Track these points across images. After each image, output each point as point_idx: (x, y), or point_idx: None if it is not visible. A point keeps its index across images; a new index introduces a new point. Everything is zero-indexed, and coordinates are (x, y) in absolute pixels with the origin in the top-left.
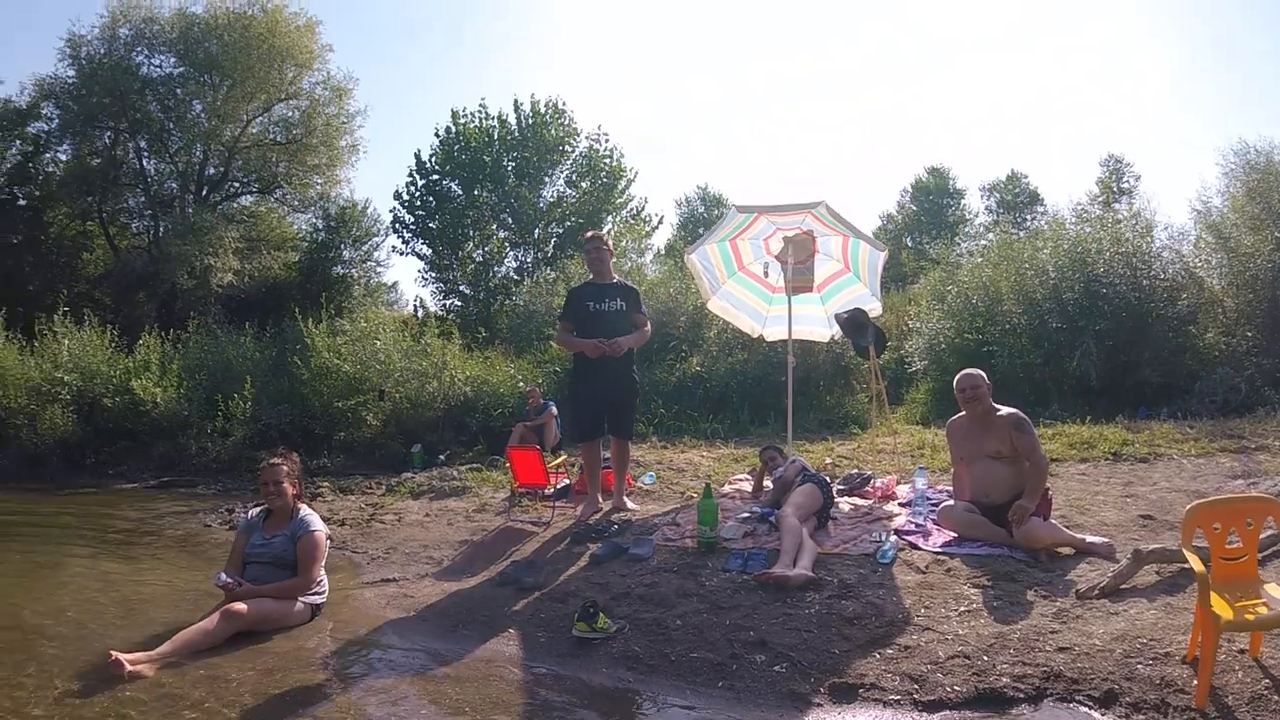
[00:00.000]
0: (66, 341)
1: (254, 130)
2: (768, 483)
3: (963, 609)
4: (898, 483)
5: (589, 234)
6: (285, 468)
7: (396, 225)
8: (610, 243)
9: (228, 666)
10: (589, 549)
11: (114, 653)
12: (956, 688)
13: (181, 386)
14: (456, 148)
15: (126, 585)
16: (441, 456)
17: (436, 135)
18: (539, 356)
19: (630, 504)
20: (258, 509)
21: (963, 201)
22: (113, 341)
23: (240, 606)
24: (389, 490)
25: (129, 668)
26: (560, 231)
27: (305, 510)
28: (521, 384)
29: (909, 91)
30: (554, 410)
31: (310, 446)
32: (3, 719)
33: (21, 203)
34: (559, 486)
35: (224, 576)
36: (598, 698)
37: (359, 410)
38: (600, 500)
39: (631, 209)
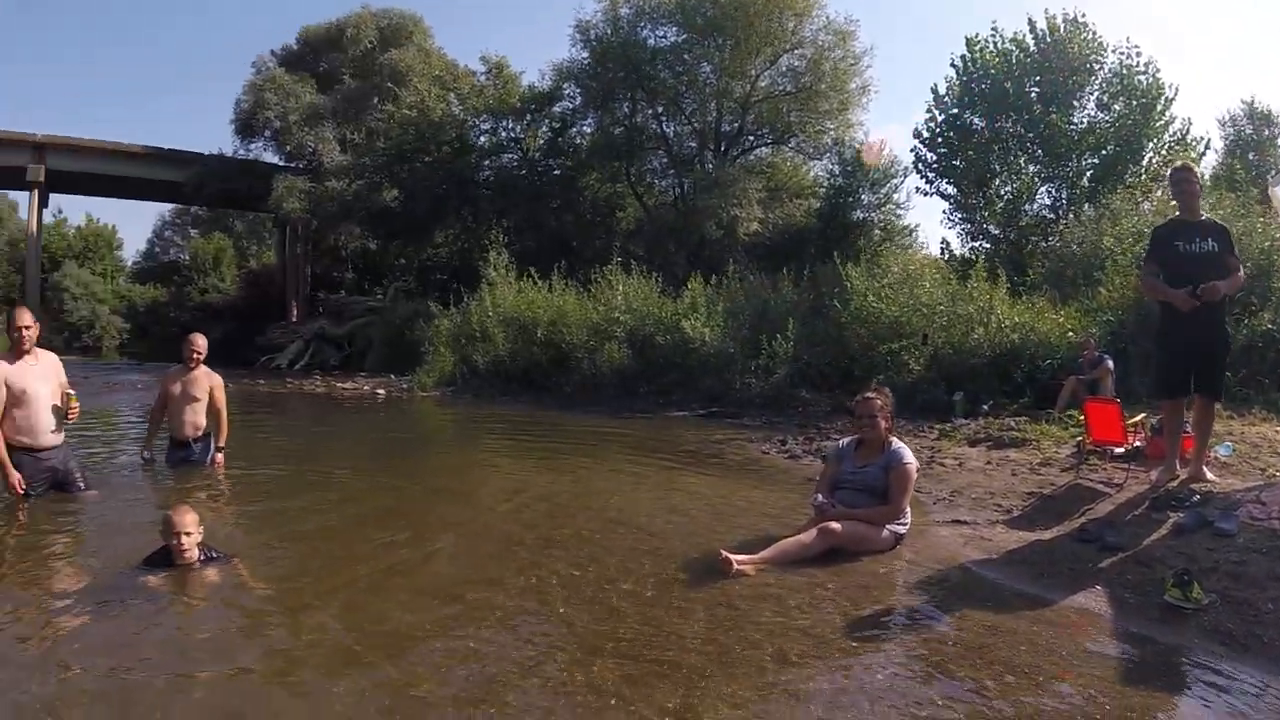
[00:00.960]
0: (620, 287)
1: (763, 84)
2: None
3: None
4: None
5: (1177, 165)
6: (879, 401)
7: (918, 165)
8: (1199, 174)
9: (823, 577)
10: (1170, 516)
11: (724, 551)
12: None
13: (726, 326)
14: (975, 77)
15: (712, 497)
16: (985, 405)
17: (953, 66)
18: (1085, 304)
19: (1209, 474)
20: (848, 439)
21: None
22: (655, 287)
23: (835, 525)
24: (943, 435)
25: (736, 566)
26: (1095, 162)
27: (897, 443)
28: (1071, 334)
29: None
30: (1110, 364)
31: (849, 388)
32: (622, 601)
33: (556, 172)
34: (1132, 447)
35: (820, 498)
36: (1193, 668)
37: (899, 354)
38: (1177, 466)
39: (1174, 133)
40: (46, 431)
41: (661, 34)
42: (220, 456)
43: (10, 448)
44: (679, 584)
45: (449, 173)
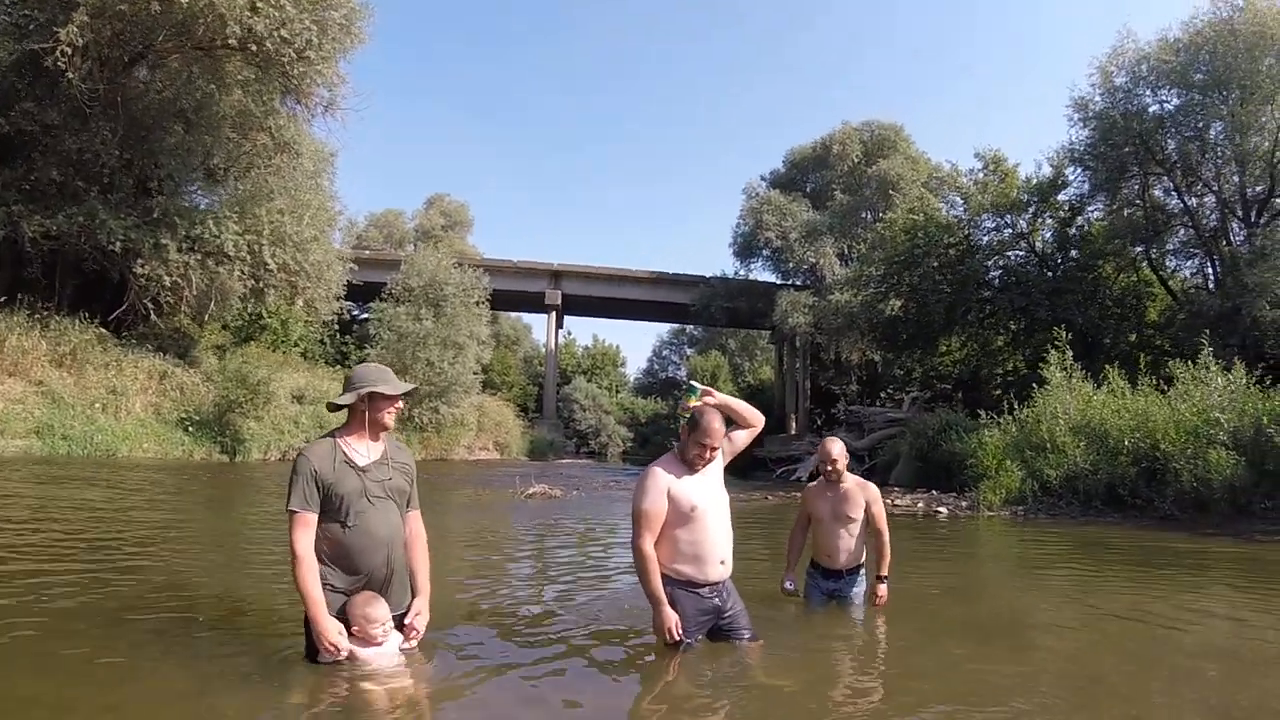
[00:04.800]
0: (1216, 381)
1: None
2: None
3: None
4: None
5: None
6: None
7: None
8: None
9: None
10: None
11: None
12: None
13: None
14: None
15: None
16: None
17: None
18: None
19: None
20: None
21: None
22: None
23: None
24: None
25: None
26: None
27: None
28: None
29: None
30: None
31: None
32: None
33: (1072, 263)
34: None
35: None
36: None
37: None
38: None
39: None
40: (715, 562)
41: (1163, 98)
42: (884, 589)
43: (666, 579)
44: None
45: (955, 275)
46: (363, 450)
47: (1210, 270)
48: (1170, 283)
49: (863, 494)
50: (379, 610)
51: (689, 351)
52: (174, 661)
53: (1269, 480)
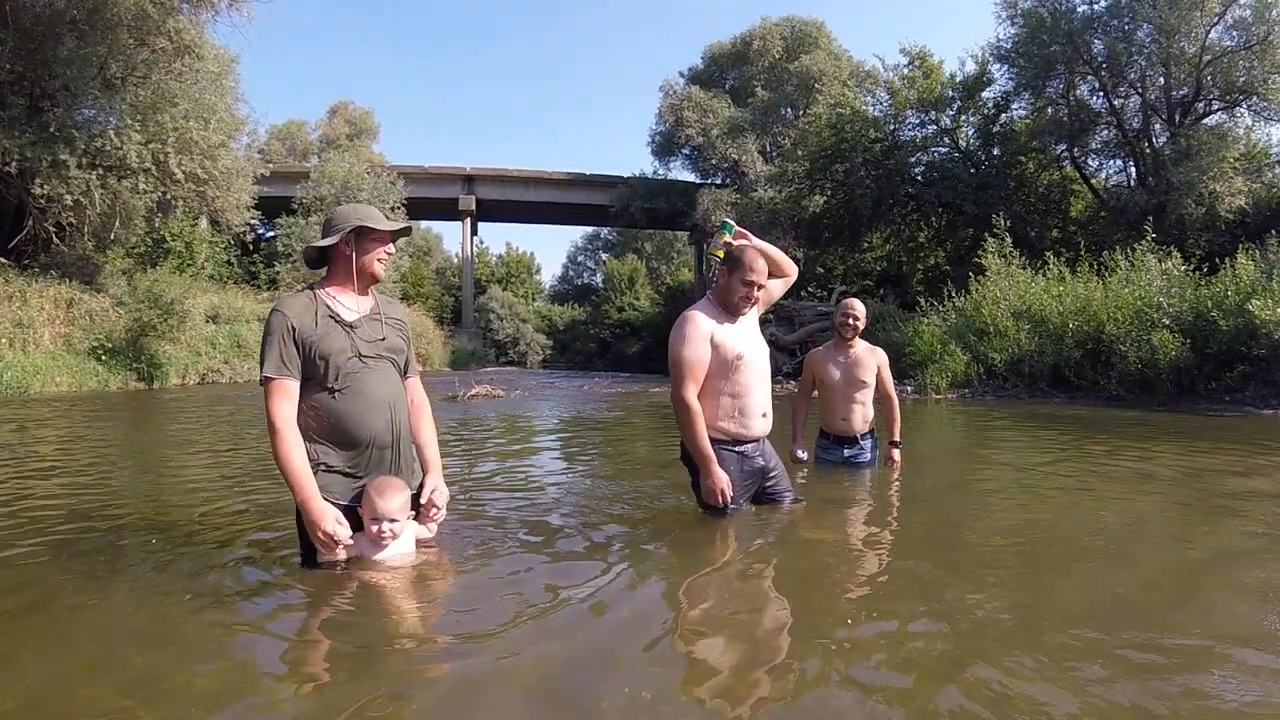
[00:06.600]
0: (1157, 267)
1: (1212, 38)
2: None
3: None
4: None
5: None
6: None
7: None
8: None
9: None
10: None
11: None
12: None
13: None
14: None
15: None
16: None
17: None
18: None
19: None
20: None
21: None
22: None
23: None
24: None
25: None
26: None
27: None
28: None
29: None
30: None
31: None
32: None
33: (995, 160)
34: None
35: None
36: None
37: None
38: None
39: None
40: (759, 415)
41: None
42: (897, 454)
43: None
44: None
45: (881, 171)
46: (349, 304)
47: (1133, 170)
48: (1093, 181)
49: (873, 358)
50: (393, 500)
51: (604, 256)
52: (133, 594)
53: (1211, 362)
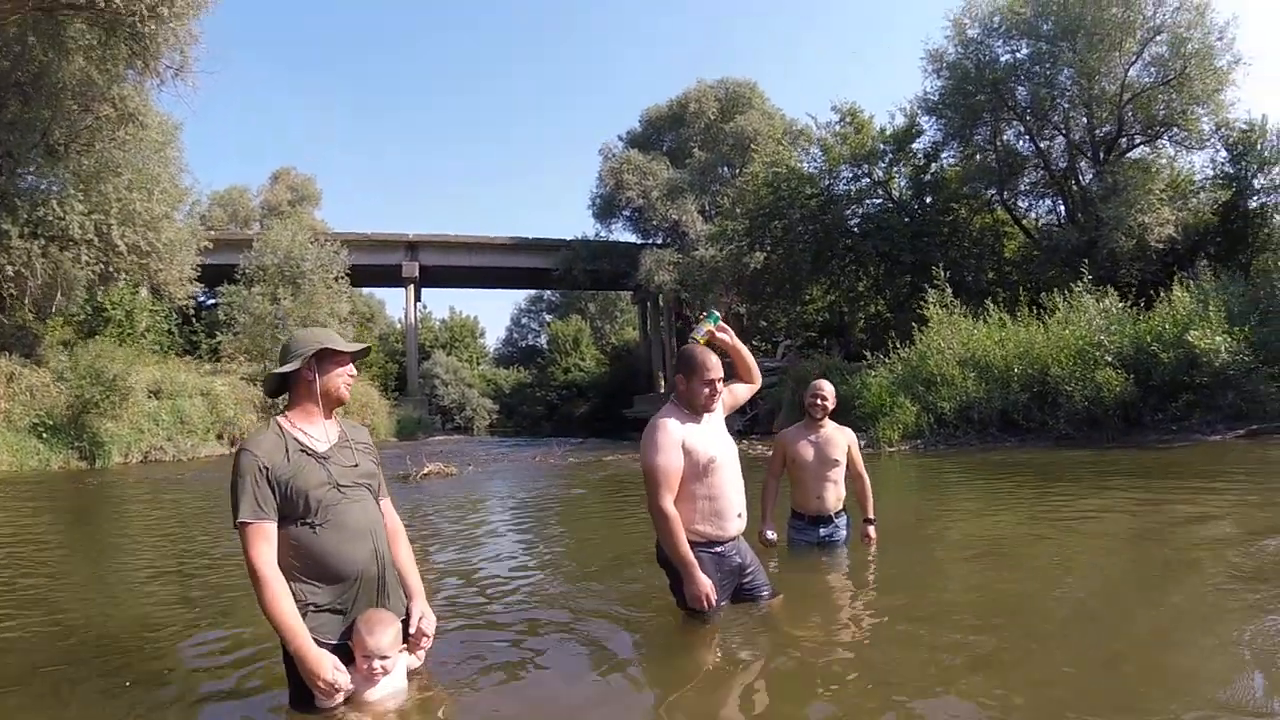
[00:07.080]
0: (1097, 306)
1: (1132, 76)
2: None
3: None
4: None
5: None
6: None
7: None
8: None
9: None
10: None
11: None
12: None
13: (1246, 332)
14: None
15: None
16: None
17: None
18: None
19: None
20: None
21: None
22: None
23: None
24: None
25: None
26: None
27: None
28: None
29: None
30: None
31: None
32: None
33: (928, 208)
34: None
35: None
36: None
37: None
38: None
39: None
40: (734, 516)
41: (1014, 48)
42: (872, 530)
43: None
44: None
45: (818, 227)
46: (318, 433)
47: (1063, 208)
48: (1024, 222)
49: (843, 437)
50: (384, 637)
51: (548, 318)
52: None
53: (1155, 394)
